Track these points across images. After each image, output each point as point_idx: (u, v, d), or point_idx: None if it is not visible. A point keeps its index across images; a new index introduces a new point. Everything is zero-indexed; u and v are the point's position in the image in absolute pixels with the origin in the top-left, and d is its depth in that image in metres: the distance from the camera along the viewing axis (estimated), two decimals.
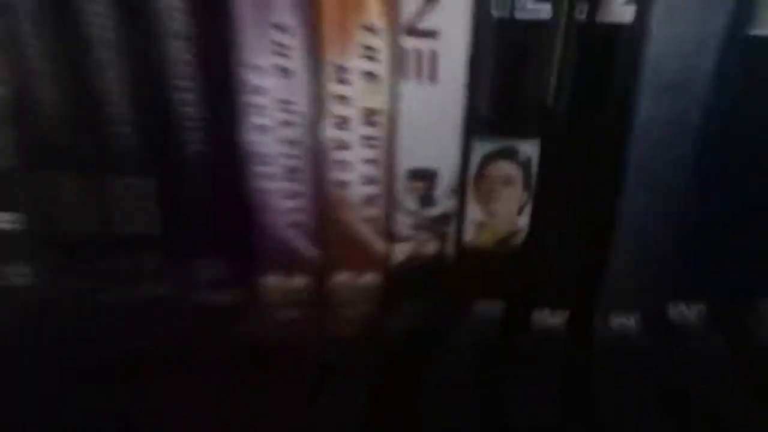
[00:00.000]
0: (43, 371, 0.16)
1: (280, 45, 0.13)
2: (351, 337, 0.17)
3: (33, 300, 0.17)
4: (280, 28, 0.13)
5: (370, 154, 0.15)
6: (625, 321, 0.16)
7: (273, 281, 0.16)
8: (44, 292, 0.17)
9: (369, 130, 0.14)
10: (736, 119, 0.14)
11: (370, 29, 0.13)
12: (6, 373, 0.16)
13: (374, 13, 0.13)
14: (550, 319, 0.16)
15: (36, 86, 0.14)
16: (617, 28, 0.13)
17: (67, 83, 0.14)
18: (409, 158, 0.15)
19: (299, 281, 0.16)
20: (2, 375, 0.15)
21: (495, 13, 0.13)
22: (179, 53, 0.14)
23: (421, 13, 0.13)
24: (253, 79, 0.14)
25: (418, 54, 0.14)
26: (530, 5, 0.13)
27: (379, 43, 0.13)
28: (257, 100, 0.14)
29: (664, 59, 0.13)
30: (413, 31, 0.13)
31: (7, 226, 0.16)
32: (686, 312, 0.16)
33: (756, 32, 0.13)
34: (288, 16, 0.13)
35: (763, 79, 0.13)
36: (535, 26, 0.13)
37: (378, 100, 0.14)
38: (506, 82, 0.14)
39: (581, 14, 0.13)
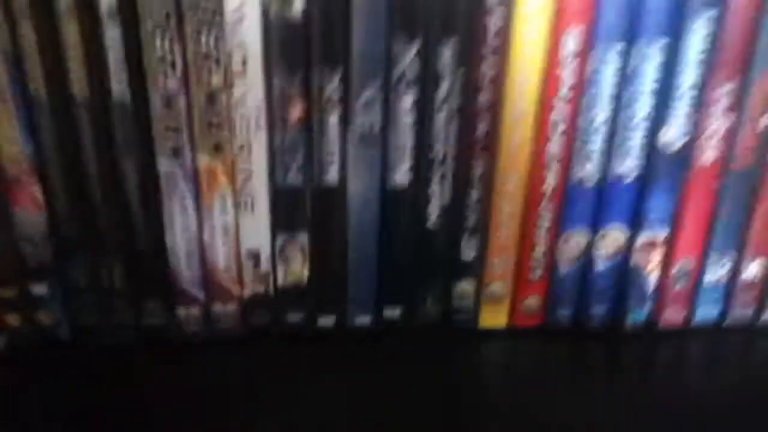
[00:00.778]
0: None
1: (186, 207, 0.29)
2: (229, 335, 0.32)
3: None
4: (188, 198, 0.29)
5: (227, 243, 0.31)
6: (363, 319, 0.33)
7: (186, 311, 0.32)
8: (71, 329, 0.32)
9: (226, 237, 0.30)
10: (395, 221, 0.31)
11: (223, 193, 0.29)
12: None
13: (225, 187, 0.29)
14: (325, 321, 0.33)
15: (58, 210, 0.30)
16: (332, 189, 0.30)
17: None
18: (246, 244, 0.31)
19: (196, 310, 0.32)
20: None
21: (276, 184, 0.30)
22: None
23: (244, 186, 0.29)
24: (175, 218, 0.30)
25: (247, 201, 0.30)
26: (292, 176, 0.29)
27: (230, 198, 0.30)
28: (178, 228, 0.30)
29: (357, 197, 0.30)
30: (244, 195, 0.30)
31: (42, 292, 0.31)
32: (393, 312, 0.33)
33: (390, 186, 0.30)
34: (189, 193, 0.29)
35: (395, 198, 0.30)
36: (292, 190, 0.30)
37: (230, 221, 0.30)
38: (287, 211, 0.30)
39: (320, 182, 0.30)
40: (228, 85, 0.27)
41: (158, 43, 0.26)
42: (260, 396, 0.30)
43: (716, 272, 0.32)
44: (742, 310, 0.33)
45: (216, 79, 0.27)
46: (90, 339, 0.32)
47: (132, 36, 0.26)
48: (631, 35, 0.27)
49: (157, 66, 0.27)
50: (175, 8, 0.26)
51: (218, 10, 0.26)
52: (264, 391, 0.30)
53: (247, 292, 0.32)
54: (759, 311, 0.33)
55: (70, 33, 0.26)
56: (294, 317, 0.32)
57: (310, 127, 0.28)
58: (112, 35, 0.26)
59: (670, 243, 0.31)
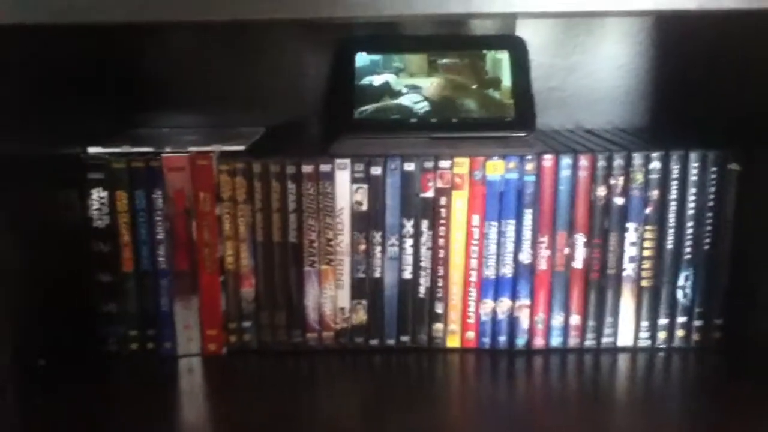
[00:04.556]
0: None
1: (314, 286, 0.68)
2: None
3: None
4: (315, 282, 0.68)
5: (331, 303, 0.69)
6: (391, 341, 0.70)
7: (311, 335, 0.70)
8: (257, 343, 0.70)
9: (331, 301, 0.69)
10: (404, 294, 0.68)
11: (330, 281, 0.68)
12: None
13: (332, 278, 0.68)
14: (373, 341, 0.70)
15: None
16: (377, 279, 0.68)
17: None
18: (339, 304, 0.69)
19: (315, 335, 0.70)
20: None
21: (353, 277, 0.68)
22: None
23: (339, 278, 0.68)
24: (308, 291, 0.68)
25: (340, 284, 0.68)
26: (360, 273, 0.68)
27: (333, 283, 0.68)
28: (310, 296, 0.68)
29: (388, 284, 0.68)
30: (338, 281, 0.68)
31: (248, 325, 0.69)
32: (406, 338, 0.70)
33: (402, 279, 0.68)
34: (316, 280, 0.68)
35: (405, 284, 0.68)
36: (360, 280, 0.68)
37: (333, 293, 0.68)
38: (357, 289, 0.68)
39: (372, 276, 0.68)
40: (335, 236, 0.67)
41: (309, 219, 0.66)
42: (345, 371, 0.67)
43: (557, 320, 0.69)
44: (573, 339, 0.69)
45: (330, 234, 0.66)
46: (267, 348, 0.70)
47: (299, 214, 0.66)
48: (499, 217, 0.65)
49: (306, 228, 0.66)
50: (316, 206, 0.66)
51: (333, 208, 0.66)
52: (345, 369, 0.68)
53: (338, 327, 0.69)
54: (582, 340, 0.69)
55: (275, 219, 0.66)
56: (359, 339, 0.70)
57: (369, 254, 0.67)
58: (292, 219, 0.66)
59: (532, 306, 0.68)
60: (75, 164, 0.65)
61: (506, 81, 0.71)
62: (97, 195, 0.65)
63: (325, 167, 0.65)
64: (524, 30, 0.75)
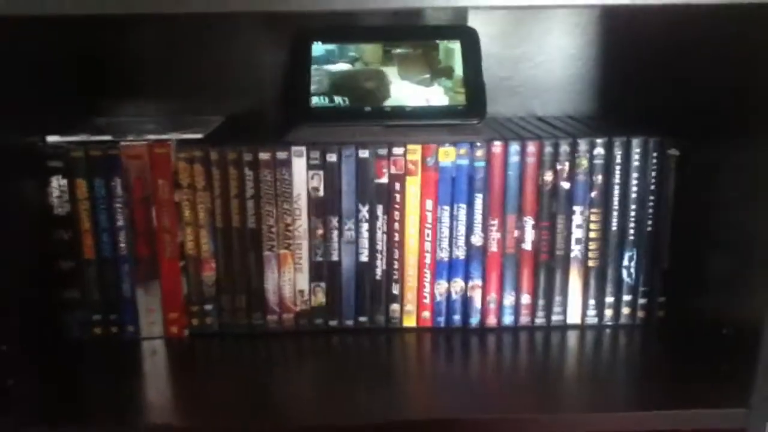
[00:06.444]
0: None
1: (273, 270, 0.70)
2: None
3: None
4: (274, 266, 0.70)
5: (290, 286, 0.71)
6: (349, 321, 0.72)
7: (271, 317, 0.72)
8: (218, 325, 0.72)
9: (289, 283, 0.71)
10: (361, 276, 0.71)
11: (290, 265, 0.70)
12: None
13: (290, 262, 0.70)
14: (332, 322, 0.72)
15: None
16: (335, 263, 0.70)
17: None
18: (298, 287, 0.71)
19: (275, 317, 0.72)
20: None
21: (311, 260, 0.70)
22: None
23: (298, 261, 0.70)
24: (268, 275, 0.70)
25: (299, 268, 0.70)
26: (318, 257, 0.70)
27: (292, 266, 0.70)
28: (270, 279, 0.70)
29: (346, 266, 0.70)
30: (297, 265, 0.70)
31: (209, 308, 0.71)
32: (364, 318, 0.72)
33: (359, 261, 0.70)
34: (275, 264, 0.70)
35: (362, 267, 0.71)
36: (318, 263, 0.70)
37: (292, 276, 0.70)
38: (316, 272, 0.70)
39: (330, 259, 0.70)
40: (293, 221, 0.68)
41: (267, 205, 0.68)
42: (305, 352, 0.70)
43: (509, 300, 0.72)
44: (524, 318, 0.72)
45: (288, 219, 0.68)
46: (228, 330, 0.72)
47: (257, 201, 0.67)
48: (452, 201, 0.68)
49: (265, 214, 0.68)
50: (273, 192, 0.67)
51: (290, 194, 0.68)
52: (305, 350, 0.70)
53: (298, 309, 0.72)
54: (533, 318, 0.72)
55: (234, 205, 0.67)
56: (318, 320, 0.72)
57: (326, 238, 0.69)
58: (250, 205, 0.67)
59: (484, 287, 0.71)
60: (34, 153, 0.66)
61: (458, 70, 0.74)
62: (57, 183, 0.66)
63: (281, 154, 0.67)
64: (475, 21, 0.78)
